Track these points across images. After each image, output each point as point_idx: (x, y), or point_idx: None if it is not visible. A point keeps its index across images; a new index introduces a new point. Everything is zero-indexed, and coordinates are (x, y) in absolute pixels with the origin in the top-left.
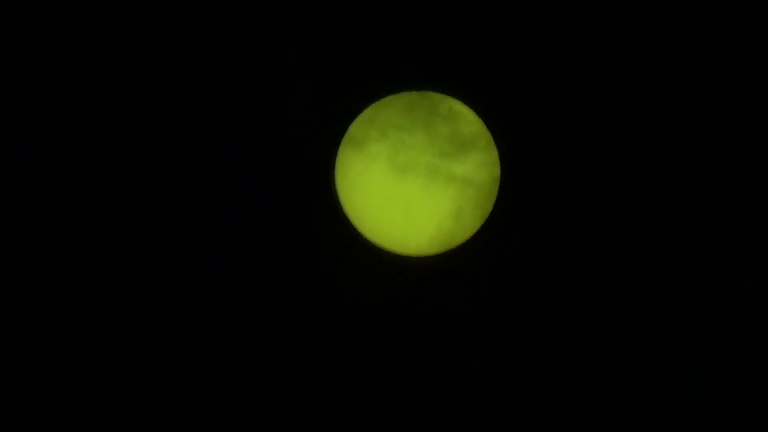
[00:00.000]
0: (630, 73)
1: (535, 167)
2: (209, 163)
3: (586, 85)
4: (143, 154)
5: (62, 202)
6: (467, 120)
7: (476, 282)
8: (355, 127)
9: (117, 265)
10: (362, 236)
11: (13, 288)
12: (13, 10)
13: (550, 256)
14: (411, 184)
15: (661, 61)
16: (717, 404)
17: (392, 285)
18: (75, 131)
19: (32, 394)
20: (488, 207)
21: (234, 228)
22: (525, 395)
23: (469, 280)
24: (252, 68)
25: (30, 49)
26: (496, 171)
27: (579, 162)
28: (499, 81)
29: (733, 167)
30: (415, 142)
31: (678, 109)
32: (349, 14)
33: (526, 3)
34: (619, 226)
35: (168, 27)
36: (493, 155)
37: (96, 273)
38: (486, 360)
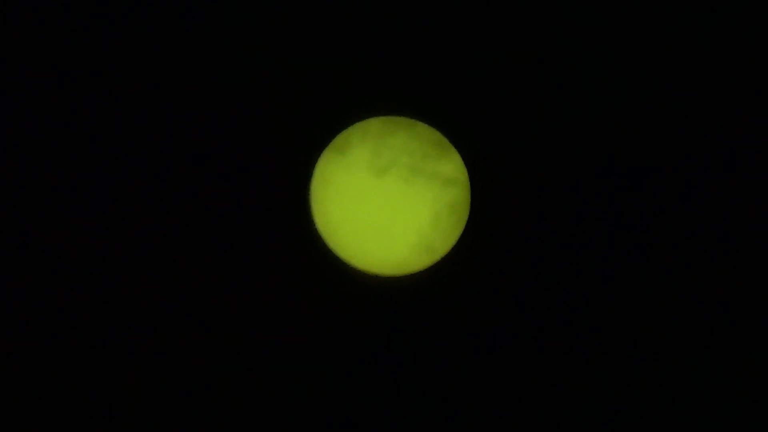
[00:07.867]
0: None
1: (504, 174)
2: (191, 157)
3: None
4: (117, 153)
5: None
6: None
7: (461, 302)
8: (339, 138)
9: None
10: (337, 257)
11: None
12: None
13: (539, 262)
14: (391, 187)
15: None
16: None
17: (373, 310)
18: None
19: (32, 394)
20: (464, 211)
21: (199, 238)
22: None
23: (455, 298)
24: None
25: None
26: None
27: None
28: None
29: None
30: (396, 143)
31: (636, 95)
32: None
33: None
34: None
35: (153, 27)
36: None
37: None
38: (489, 386)
